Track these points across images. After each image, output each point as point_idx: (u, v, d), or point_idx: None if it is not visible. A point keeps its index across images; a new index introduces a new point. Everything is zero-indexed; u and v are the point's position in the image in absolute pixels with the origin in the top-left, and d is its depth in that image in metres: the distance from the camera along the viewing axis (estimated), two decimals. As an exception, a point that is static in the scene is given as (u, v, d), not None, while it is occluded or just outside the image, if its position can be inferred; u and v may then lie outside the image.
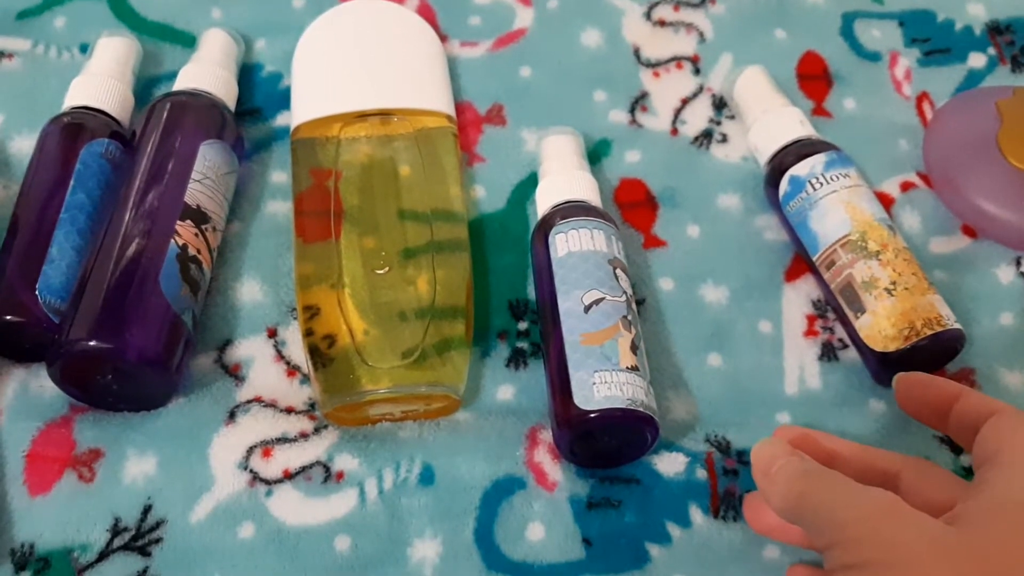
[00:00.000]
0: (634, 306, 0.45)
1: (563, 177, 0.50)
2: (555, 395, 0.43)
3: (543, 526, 0.43)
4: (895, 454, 0.41)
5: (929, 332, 0.44)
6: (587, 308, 0.44)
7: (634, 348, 0.43)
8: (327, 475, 0.44)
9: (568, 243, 0.46)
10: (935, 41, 0.60)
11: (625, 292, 0.45)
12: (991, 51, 0.59)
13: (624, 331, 0.43)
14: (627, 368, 0.42)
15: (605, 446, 0.43)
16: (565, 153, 0.51)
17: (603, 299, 0.44)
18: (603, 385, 0.41)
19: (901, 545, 0.32)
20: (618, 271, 0.45)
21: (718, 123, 0.56)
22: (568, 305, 0.44)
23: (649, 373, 0.44)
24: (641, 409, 0.41)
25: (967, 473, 0.45)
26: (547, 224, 0.47)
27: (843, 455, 0.41)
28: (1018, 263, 0.51)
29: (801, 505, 0.35)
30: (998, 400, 0.39)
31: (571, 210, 0.47)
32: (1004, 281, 0.51)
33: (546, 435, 0.45)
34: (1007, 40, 0.60)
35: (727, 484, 0.44)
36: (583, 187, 0.49)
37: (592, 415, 0.41)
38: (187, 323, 0.44)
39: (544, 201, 0.49)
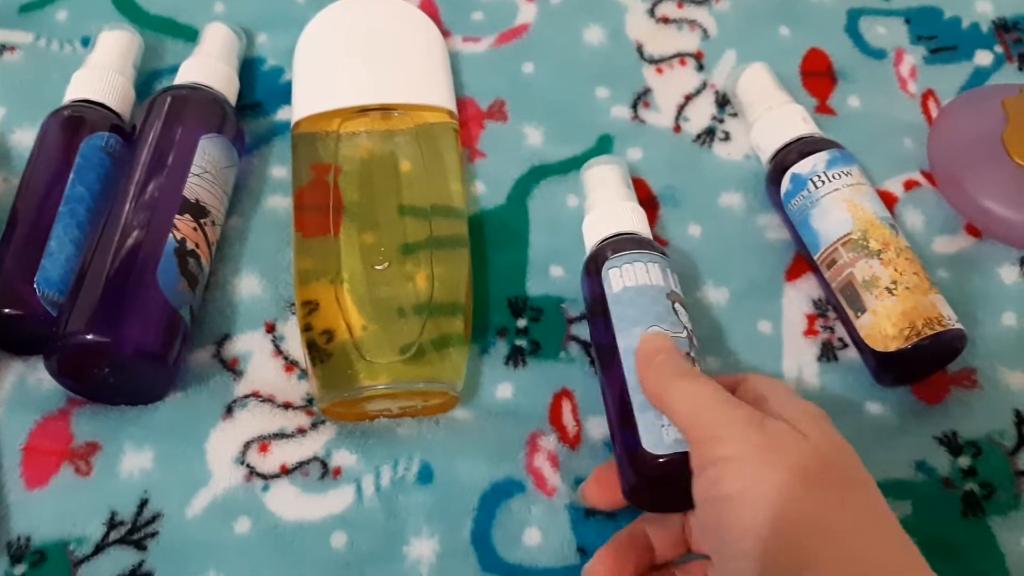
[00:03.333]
0: (695, 341, 0.43)
1: (611, 208, 0.48)
2: (618, 437, 0.41)
3: (540, 531, 0.43)
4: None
5: (930, 332, 0.44)
6: None
7: None
8: (324, 471, 0.44)
9: (623, 278, 0.44)
10: (941, 38, 0.59)
11: (686, 327, 0.42)
12: (998, 49, 0.59)
13: None
14: None
15: (670, 492, 0.40)
16: (610, 182, 0.49)
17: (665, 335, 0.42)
18: (671, 428, 0.39)
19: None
20: (677, 305, 0.43)
21: (721, 121, 0.55)
22: (627, 343, 0.42)
23: None
24: None
25: (963, 475, 0.45)
26: (599, 258, 0.45)
27: None
28: (1022, 263, 0.51)
29: (666, 399, 0.38)
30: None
31: (623, 243, 0.45)
32: (1007, 281, 0.51)
33: (546, 441, 0.45)
34: (1014, 38, 0.59)
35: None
36: (632, 218, 0.47)
37: (662, 460, 0.39)
38: (185, 317, 0.44)
39: (592, 234, 0.47)
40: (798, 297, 0.50)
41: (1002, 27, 0.60)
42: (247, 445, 0.44)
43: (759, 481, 0.34)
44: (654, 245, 0.46)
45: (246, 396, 0.46)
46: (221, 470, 0.44)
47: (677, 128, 0.55)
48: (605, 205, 0.48)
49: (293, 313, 0.48)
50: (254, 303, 0.48)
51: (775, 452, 0.35)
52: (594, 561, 0.40)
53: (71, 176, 0.47)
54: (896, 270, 0.45)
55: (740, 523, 0.34)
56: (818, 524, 0.34)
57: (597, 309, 0.44)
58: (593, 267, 0.45)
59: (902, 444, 0.45)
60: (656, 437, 0.39)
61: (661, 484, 0.39)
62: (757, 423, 0.36)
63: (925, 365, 0.46)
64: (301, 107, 0.52)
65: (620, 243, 0.45)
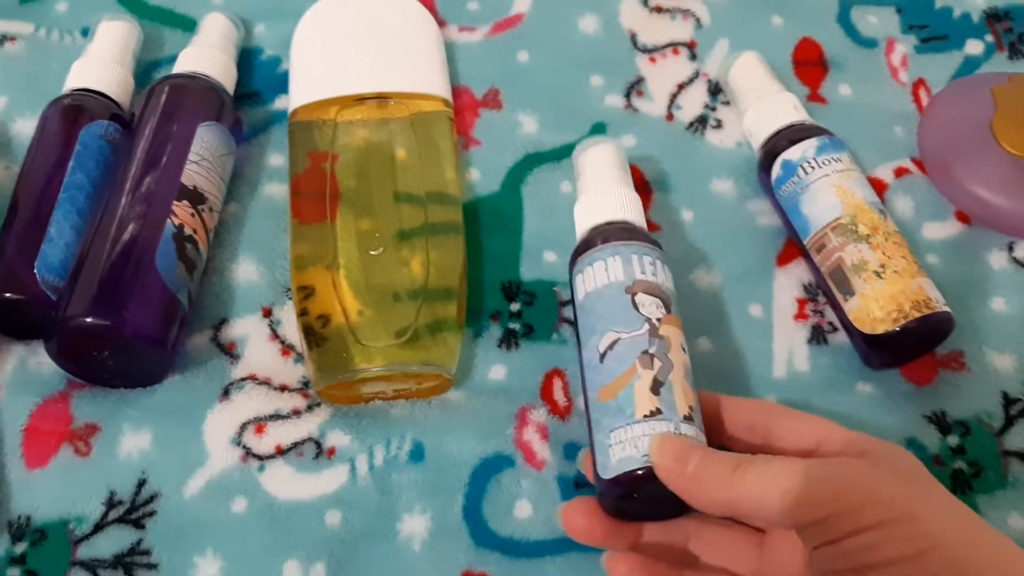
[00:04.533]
0: (669, 330, 0.39)
1: (583, 200, 0.46)
2: (591, 463, 0.40)
3: (530, 504, 0.43)
4: (758, 403, 0.41)
5: (917, 315, 0.45)
6: (602, 356, 0.39)
7: (656, 386, 0.38)
8: (319, 451, 0.44)
9: (585, 284, 0.42)
10: (933, 28, 0.60)
11: (648, 320, 0.39)
12: (989, 38, 0.59)
13: (642, 370, 0.38)
14: (644, 416, 0.37)
15: (648, 500, 0.38)
16: (588, 168, 0.47)
17: (617, 340, 0.39)
18: (618, 446, 0.37)
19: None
20: (638, 296, 0.40)
21: (713, 109, 0.56)
22: (587, 356, 0.40)
23: (689, 397, 0.39)
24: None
25: (952, 453, 0.45)
26: (572, 267, 0.44)
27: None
28: (1010, 248, 0.52)
29: (742, 496, 0.34)
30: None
31: (587, 243, 0.43)
32: (996, 267, 0.51)
33: (536, 414, 0.46)
34: (1005, 27, 0.60)
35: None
36: (595, 208, 0.45)
37: (610, 482, 0.37)
38: (183, 301, 0.45)
39: (578, 229, 0.46)
40: (789, 281, 0.50)
41: (993, 16, 0.60)
42: (243, 426, 0.45)
43: (929, 534, 0.32)
44: (621, 230, 0.43)
45: (243, 379, 0.46)
46: (218, 451, 0.44)
47: (670, 116, 0.56)
48: (580, 196, 0.47)
49: (289, 298, 0.48)
50: (251, 288, 0.49)
51: (910, 485, 0.33)
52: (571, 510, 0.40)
53: (71, 164, 0.48)
54: (884, 254, 0.46)
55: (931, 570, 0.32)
56: (975, 538, 0.33)
57: (575, 323, 0.43)
58: (570, 272, 0.44)
59: (892, 423, 0.46)
60: (605, 460, 0.38)
61: (622, 501, 0.38)
62: (869, 475, 0.33)
63: (913, 347, 0.47)
64: (298, 96, 0.52)
65: (585, 243, 0.44)
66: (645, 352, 0.38)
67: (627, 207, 0.45)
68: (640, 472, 0.36)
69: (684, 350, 0.40)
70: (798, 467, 0.33)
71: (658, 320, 0.39)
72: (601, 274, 0.41)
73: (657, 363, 0.38)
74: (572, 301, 0.43)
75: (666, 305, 0.41)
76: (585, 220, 0.45)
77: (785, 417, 0.39)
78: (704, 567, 0.40)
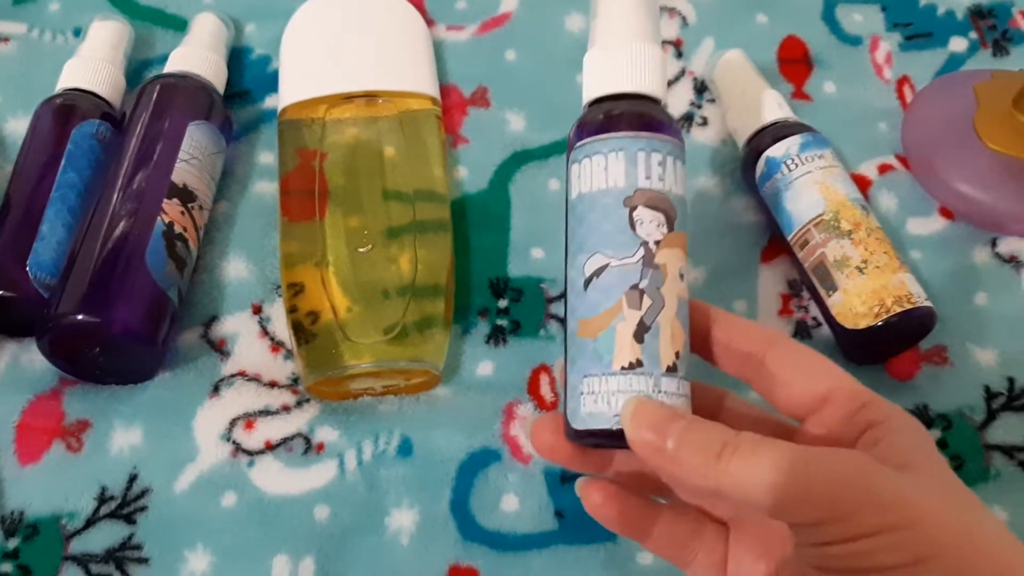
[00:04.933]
0: (667, 255, 0.33)
1: (597, 53, 0.36)
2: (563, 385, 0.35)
3: (517, 498, 0.44)
4: (759, 330, 0.36)
5: (899, 309, 0.45)
6: (587, 282, 0.34)
7: (641, 332, 0.33)
8: (307, 447, 0.45)
9: (580, 181, 0.35)
10: (917, 25, 0.60)
11: (644, 243, 0.33)
12: (972, 35, 0.60)
13: (628, 310, 0.33)
14: (622, 369, 0.33)
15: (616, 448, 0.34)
16: (605, 6, 0.37)
17: (606, 266, 0.33)
18: (590, 396, 0.33)
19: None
20: (637, 212, 0.34)
21: (699, 107, 0.56)
22: (572, 276, 0.35)
23: (678, 340, 0.34)
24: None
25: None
26: (569, 150, 0.36)
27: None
28: (993, 244, 0.52)
29: (725, 487, 0.30)
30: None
31: (590, 123, 0.35)
32: (979, 262, 0.52)
33: (523, 409, 0.46)
34: (989, 24, 0.60)
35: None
36: (619, 70, 0.35)
37: (577, 431, 0.34)
38: (173, 299, 0.45)
39: (585, 91, 0.37)
40: (773, 277, 0.51)
41: (977, 14, 0.61)
42: (233, 422, 0.45)
43: (930, 540, 0.29)
44: (632, 115, 0.35)
45: (233, 375, 0.47)
46: (208, 446, 0.45)
47: (656, 114, 0.56)
48: (591, 45, 0.37)
49: (279, 295, 0.49)
50: (241, 285, 0.49)
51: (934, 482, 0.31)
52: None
53: (63, 163, 0.48)
54: (866, 249, 0.47)
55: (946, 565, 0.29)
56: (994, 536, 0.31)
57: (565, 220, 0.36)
58: (567, 155, 0.37)
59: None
60: (575, 406, 0.34)
61: (589, 447, 0.35)
62: (877, 471, 0.30)
63: (895, 342, 0.47)
64: (287, 94, 0.53)
65: (588, 121, 0.36)
66: (634, 287, 0.33)
67: (645, 72, 0.36)
68: (610, 431, 0.33)
69: (682, 277, 0.34)
70: (790, 459, 0.30)
71: (656, 243, 0.34)
72: (599, 174, 0.34)
73: (646, 301, 0.33)
74: (566, 192, 0.36)
75: (669, 221, 0.34)
76: (592, 83, 0.36)
77: (789, 353, 0.35)
78: (679, 499, 0.38)
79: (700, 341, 0.36)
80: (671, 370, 0.33)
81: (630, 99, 0.35)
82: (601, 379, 0.33)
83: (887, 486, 0.30)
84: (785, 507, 0.30)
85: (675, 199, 0.34)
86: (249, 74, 0.57)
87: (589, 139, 0.35)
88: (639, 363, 0.33)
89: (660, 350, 0.33)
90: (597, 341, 0.33)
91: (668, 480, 0.35)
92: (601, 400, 0.33)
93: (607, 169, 0.34)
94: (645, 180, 0.34)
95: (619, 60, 0.36)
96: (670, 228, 0.34)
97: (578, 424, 0.34)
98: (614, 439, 0.33)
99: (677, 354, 0.33)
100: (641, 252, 0.33)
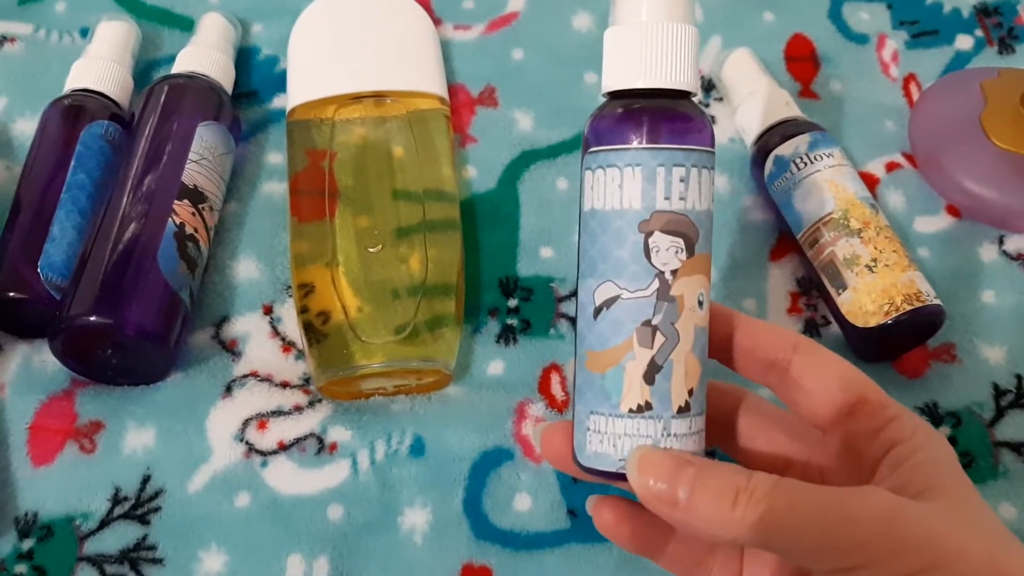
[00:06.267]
0: (685, 285, 0.31)
1: (618, 33, 0.32)
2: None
3: (530, 497, 0.44)
4: (783, 335, 0.35)
5: (909, 308, 0.45)
6: (596, 311, 0.32)
7: (652, 372, 0.31)
8: (320, 447, 0.45)
9: (593, 193, 0.32)
10: (923, 23, 0.60)
11: (660, 274, 0.31)
12: (978, 33, 0.60)
13: (639, 348, 0.31)
14: (630, 411, 0.31)
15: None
16: None
17: (617, 297, 0.31)
18: (595, 435, 0.32)
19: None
20: (653, 238, 0.31)
21: (706, 105, 0.57)
22: (582, 298, 0.33)
23: (692, 376, 0.32)
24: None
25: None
26: (584, 149, 0.33)
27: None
28: (1000, 241, 0.52)
29: (747, 539, 0.29)
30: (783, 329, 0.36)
31: (605, 126, 0.32)
32: (986, 259, 0.52)
33: (534, 408, 0.46)
34: (995, 22, 0.61)
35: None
36: (643, 60, 0.31)
37: (582, 467, 0.33)
38: (185, 300, 0.45)
39: (604, 79, 0.32)
40: (782, 276, 0.51)
41: (983, 11, 0.61)
42: (246, 423, 0.45)
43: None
44: (654, 116, 0.31)
45: (245, 376, 0.47)
46: (221, 447, 0.45)
47: (664, 113, 0.56)
48: (612, 24, 0.32)
49: (290, 295, 0.49)
50: (252, 286, 0.49)
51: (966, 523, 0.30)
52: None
53: (72, 163, 0.48)
54: (876, 248, 0.47)
55: None
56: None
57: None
58: (582, 154, 0.33)
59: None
60: (581, 440, 0.33)
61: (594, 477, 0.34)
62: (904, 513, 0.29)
63: (905, 340, 0.47)
64: (296, 95, 0.53)
65: (603, 122, 0.32)
66: (647, 323, 0.31)
67: (673, 62, 0.31)
68: (615, 474, 0.32)
69: (700, 304, 0.32)
70: (813, 505, 0.29)
71: (673, 272, 0.31)
72: (613, 191, 0.31)
73: (659, 339, 0.31)
74: (580, 197, 0.33)
75: (689, 245, 0.31)
76: (612, 69, 0.32)
77: (815, 362, 0.34)
78: None
79: (722, 348, 0.35)
80: (682, 410, 0.32)
81: (654, 96, 0.31)
82: (608, 419, 0.32)
83: (916, 530, 0.29)
84: (811, 556, 0.29)
85: (697, 217, 0.32)
86: (256, 74, 0.57)
87: (604, 148, 0.32)
88: (648, 406, 0.31)
89: (672, 390, 0.32)
90: (605, 378, 0.32)
91: (680, 528, 0.33)
92: (607, 441, 0.32)
93: (622, 187, 0.31)
94: (664, 201, 0.31)
95: (643, 45, 0.31)
96: (690, 253, 0.31)
97: (584, 460, 0.33)
98: (620, 481, 0.32)
99: (691, 391, 0.32)
100: (656, 284, 0.31)
